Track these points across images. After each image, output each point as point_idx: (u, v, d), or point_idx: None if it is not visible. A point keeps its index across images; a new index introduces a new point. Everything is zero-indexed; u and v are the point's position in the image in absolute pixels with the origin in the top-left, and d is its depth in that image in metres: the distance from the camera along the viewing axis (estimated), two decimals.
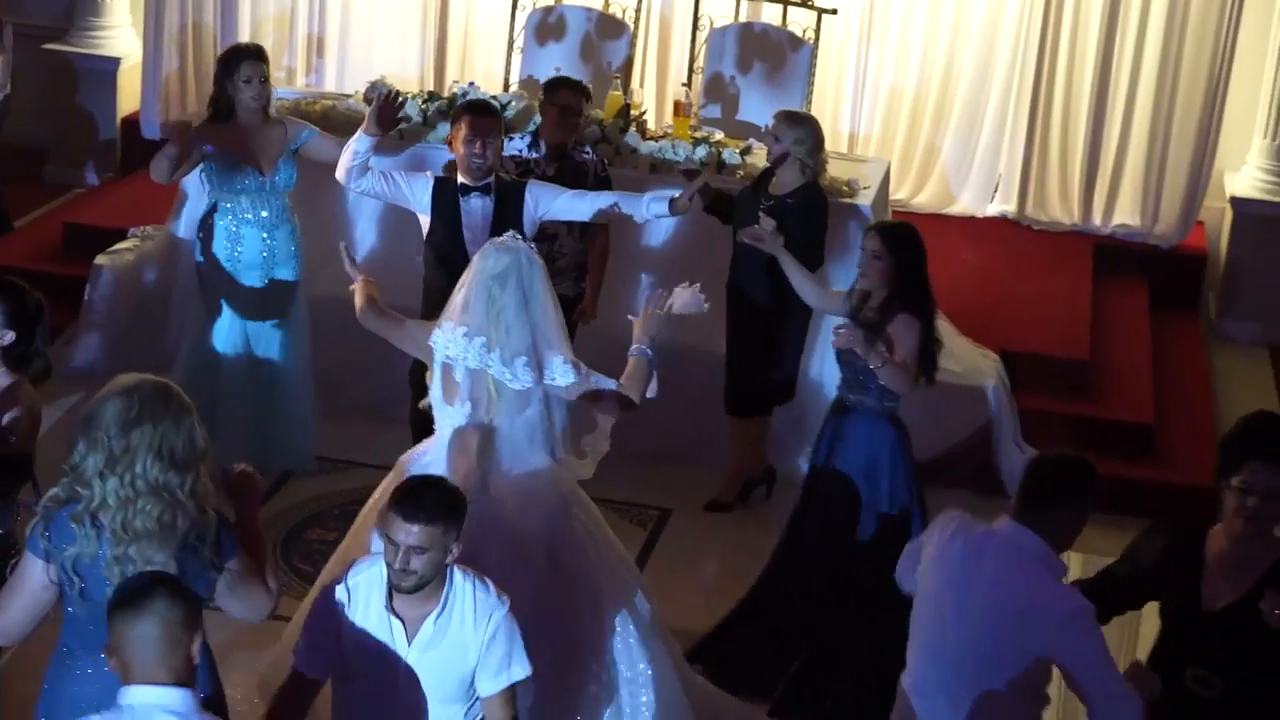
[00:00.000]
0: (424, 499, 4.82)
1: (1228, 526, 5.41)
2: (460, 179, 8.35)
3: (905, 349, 7.67)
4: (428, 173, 8.81)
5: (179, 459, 5.02)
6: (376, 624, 4.97)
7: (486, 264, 6.78)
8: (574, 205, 8.55)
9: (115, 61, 12.98)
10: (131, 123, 12.89)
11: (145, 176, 11.34)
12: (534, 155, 9.49)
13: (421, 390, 7.22)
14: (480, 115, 8.54)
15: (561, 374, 6.73)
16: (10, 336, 6.02)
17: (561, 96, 9.41)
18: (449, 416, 6.71)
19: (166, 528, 4.88)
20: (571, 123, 9.46)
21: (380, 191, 8.70)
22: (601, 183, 9.29)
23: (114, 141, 12.96)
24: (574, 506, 6.59)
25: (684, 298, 6.89)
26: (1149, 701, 5.06)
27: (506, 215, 8.13)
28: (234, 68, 9.10)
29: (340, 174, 8.50)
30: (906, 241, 8.01)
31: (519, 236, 7.19)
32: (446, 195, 8.42)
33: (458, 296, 6.89)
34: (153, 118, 12.76)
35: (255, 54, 9.28)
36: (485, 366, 6.73)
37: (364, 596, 5.01)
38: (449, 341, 6.67)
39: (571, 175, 9.20)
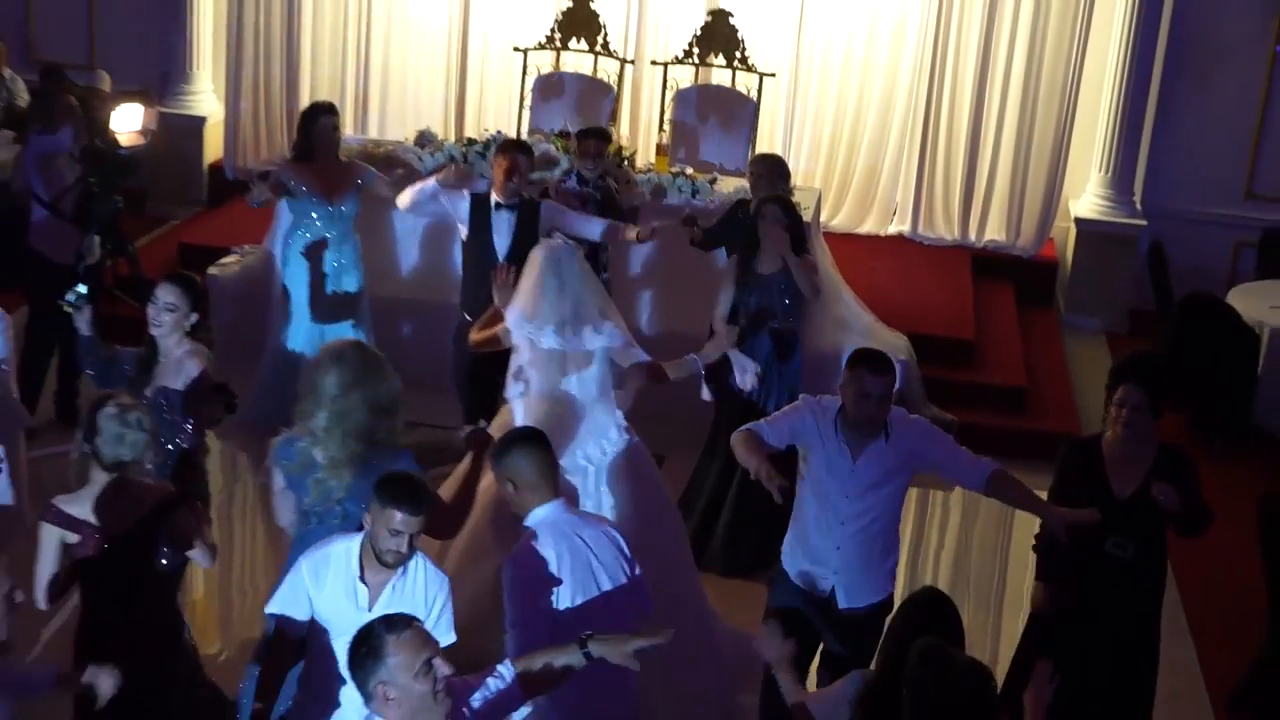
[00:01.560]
0: (418, 496, 4.99)
1: (1112, 433, 6.07)
2: (494, 197, 8.62)
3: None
4: (464, 192, 8.97)
5: (384, 407, 5.52)
6: (345, 589, 5.04)
7: (538, 259, 6.92)
8: (583, 225, 8.79)
9: (202, 119, 13.15)
10: (216, 166, 13.12)
11: (233, 207, 12.12)
12: (583, 187, 9.75)
13: (462, 351, 7.83)
14: (521, 153, 8.85)
15: (610, 336, 6.88)
16: (195, 318, 6.36)
17: (592, 142, 9.73)
18: (524, 388, 6.78)
19: (357, 457, 5.35)
20: (602, 158, 9.85)
21: (432, 210, 9.09)
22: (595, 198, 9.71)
23: (202, 181, 13.09)
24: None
25: (745, 369, 7.37)
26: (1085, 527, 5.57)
27: (525, 225, 8.43)
28: (314, 120, 9.33)
29: (404, 203, 8.88)
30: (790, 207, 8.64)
31: (556, 234, 7.67)
32: (482, 209, 8.71)
33: (523, 287, 6.98)
34: (232, 163, 13.06)
35: (330, 109, 9.54)
36: (554, 345, 6.80)
37: (337, 565, 5.09)
38: (522, 326, 6.79)
39: (610, 199, 9.62)
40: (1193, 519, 6.24)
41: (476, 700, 4.65)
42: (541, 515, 5.37)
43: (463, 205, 8.82)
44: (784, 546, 6.25)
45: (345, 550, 5.07)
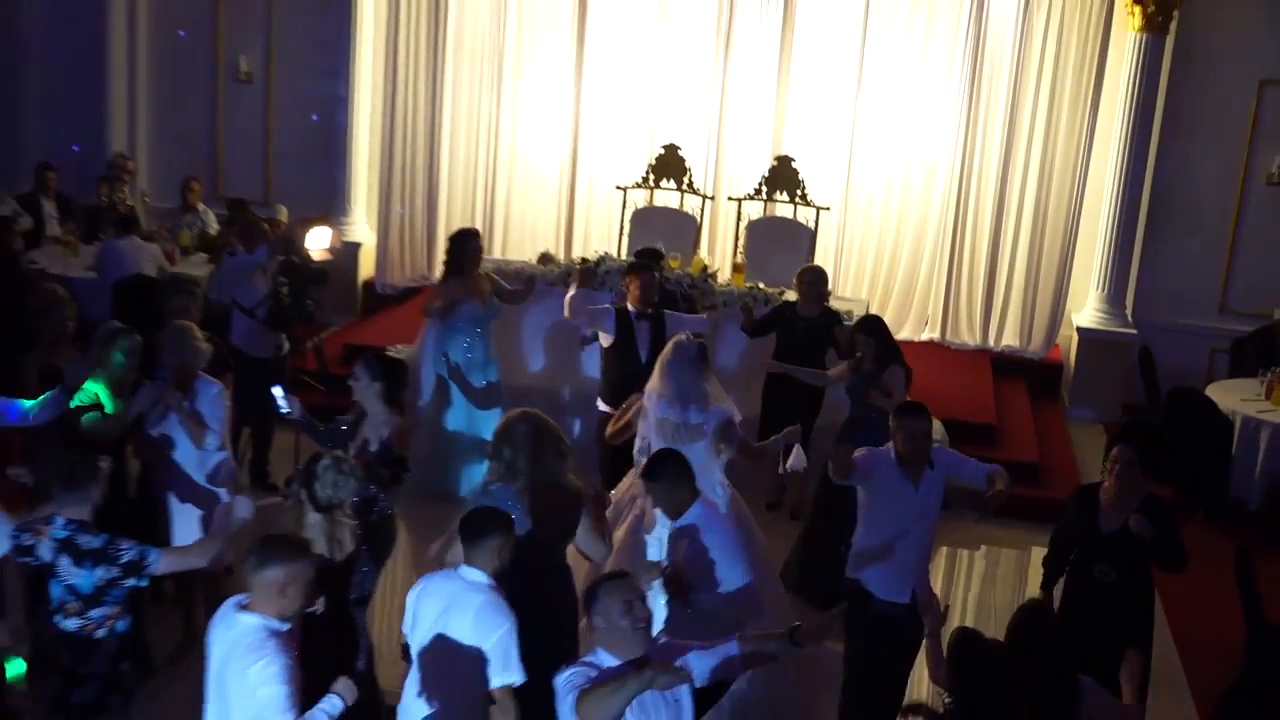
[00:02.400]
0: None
1: (1106, 484, 6.72)
2: (631, 308, 9.17)
3: (897, 386, 8.64)
4: (609, 306, 9.49)
5: (563, 453, 6.22)
6: None
7: (667, 351, 7.67)
8: (686, 322, 9.27)
9: (358, 245, 13.59)
10: (368, 283, 13.66)
11: (383, 316, 12.93)
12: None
13: (601, 435, 8.48)
14: (651, 272, 9.41)
15: (712, 417, 7.54)
16: (378, 386, 6.84)
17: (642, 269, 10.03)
18: (646, 449, 7.40)
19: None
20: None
21: (586, 322, 9.60)
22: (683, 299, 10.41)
23: (357, 295, 13.62)
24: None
25: (795, 456, 7.45)
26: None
27: (658, 330, 9.00)
28: (465, 243, 9.79)
29: (566, 312, 9.49)
30: (880, 325, 9.04)
31: (686, 335, 8.05)
32: (625, 319, 9.22)
33: (655, 371, 7.81)
34: (383, 280, 13.63)
35: (477, 234, 10.04)
36: (670, 416, 7.49)
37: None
38: (649, 398, 7.54)
39: (690, 300, 10.42)
40: (1169, 552, 6.65)
41: (696, 659, 4.89)
42: (697, 508, 6.17)
43: (609, 319, 9.27)
44: (858, 568, 6.66)
45: None
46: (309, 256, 10.75)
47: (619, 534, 7.18)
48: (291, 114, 14.23)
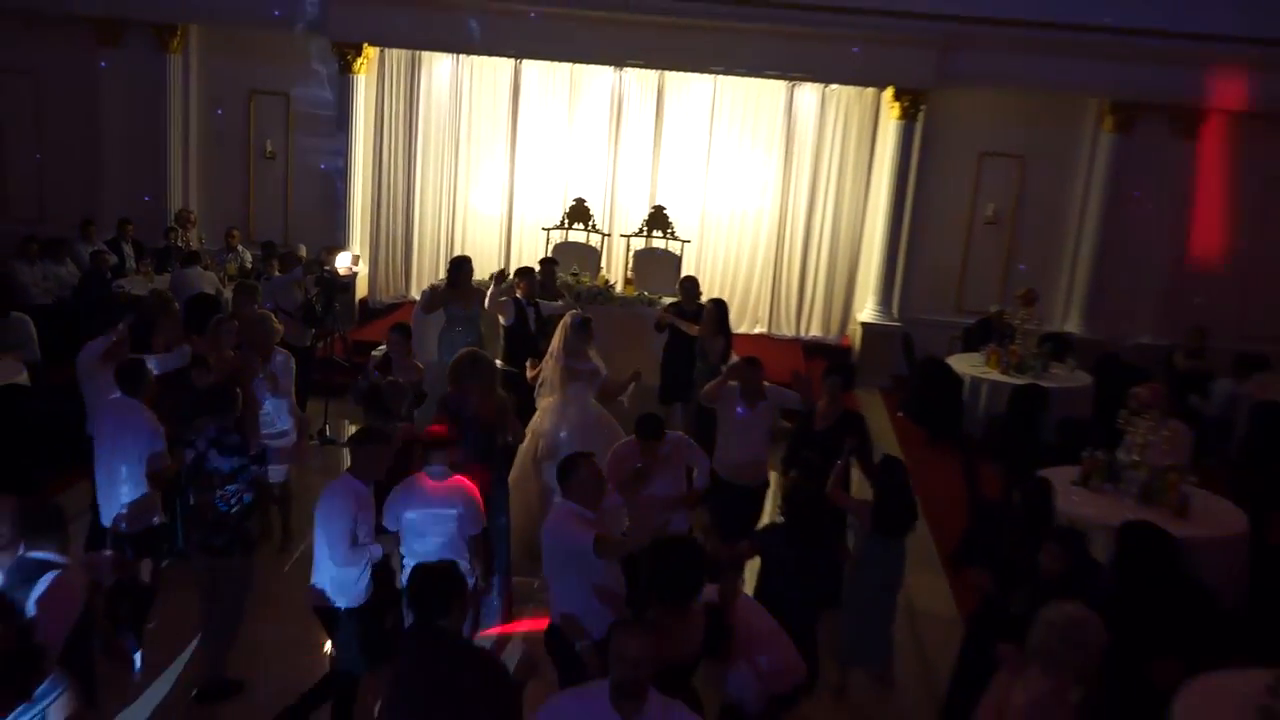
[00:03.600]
0: None
1: (821, 401, 7.74)
2: (522, 298, 9.81)
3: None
4: (507, 299, 9.82)
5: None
6: None
7: (566, 320, 8.46)
8: (551, 307, 10.18)
9: (355, 273, 12.90)
10: (363, 300, 14.08)
11: (374, 323, 13.09)
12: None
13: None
14: (531, 275, 10.24)
15: (588, 365, 8.34)
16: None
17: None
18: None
19: None
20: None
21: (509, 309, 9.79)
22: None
23: (354, 307, 13.80)
24: None
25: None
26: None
27: (538, 312, 9.98)
28: (464, 265, 10.07)
29: (486, 304, 9.70)
30: (722, 305, 9.76)
31: (578, 311, 9.03)
32: (519, 307, 9.80)
33: (556, 337, 8.46)
34: (372, 297, 14.16)
35: (469, 260, 10.21)
36: (566, 363, 8.35)
37: None
38: (555, 355, 8.34)
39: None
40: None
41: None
42: None
43: (510, 307, 9.79)
44: (719, 463, 7.41)
45: None
46: (338, 272, 11.44)
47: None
48: (304, 180, 14.58)
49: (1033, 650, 4.44)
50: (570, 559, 5.17)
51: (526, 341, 9.67)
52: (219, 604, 6.41)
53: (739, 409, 7.78)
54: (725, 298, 13.36)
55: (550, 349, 8.53)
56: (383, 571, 6.01)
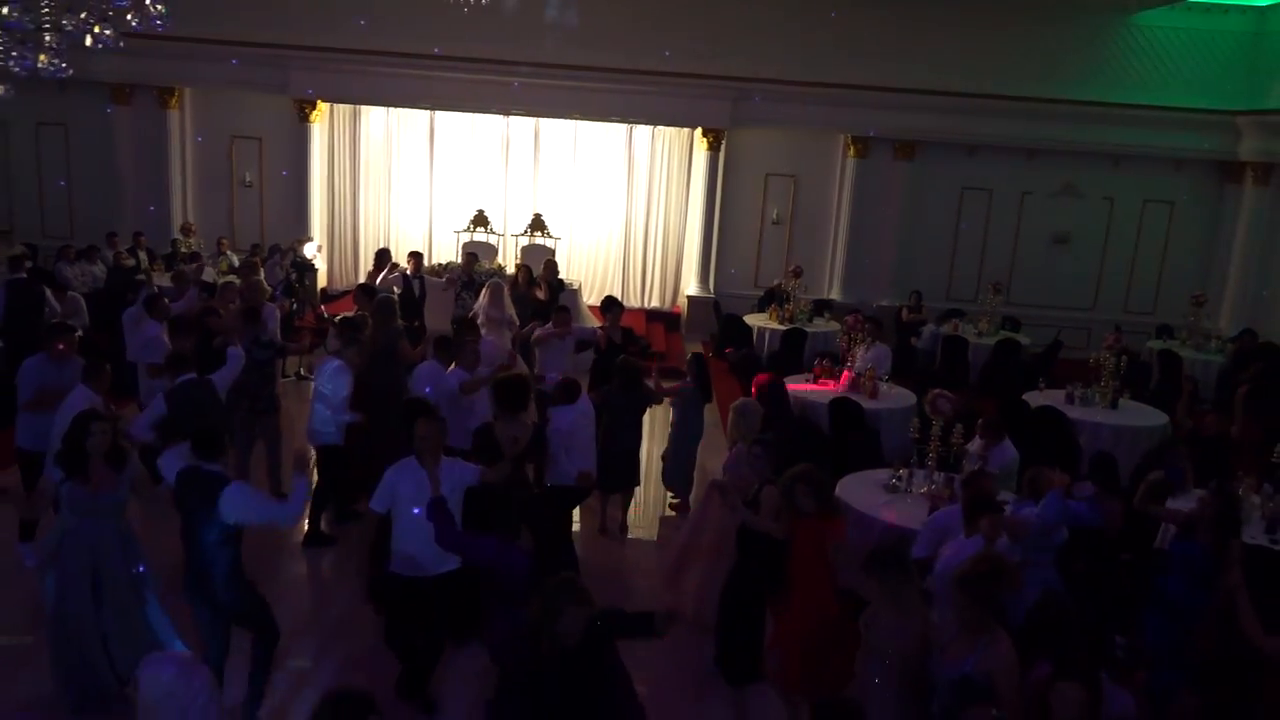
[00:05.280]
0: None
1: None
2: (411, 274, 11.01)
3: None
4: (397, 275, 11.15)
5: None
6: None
7: (492, 284, 9.68)
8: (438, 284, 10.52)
9: (315, 258, 13.89)
10: (323, 288, 14.22)
11: (335, 304, 13.18)
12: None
13: None
14: (419, 256, 11.33)
15: (507, 316, 9.30)
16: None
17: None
18: None
19: None
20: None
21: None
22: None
23: (317, 292, 13.94)
24: None
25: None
26: None
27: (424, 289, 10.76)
28: (381, 257, 11.00)
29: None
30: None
31: (497, 279, 10.03)
32: (408, 282, 11.10)
33: (484, 297, 9.89)
34: (330, 285, 14.32)
35: (388, 251, 11.42)
36: (492, 315, 9.40)
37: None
38: (483, 310, 9.79)
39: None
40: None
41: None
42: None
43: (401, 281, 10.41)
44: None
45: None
46: (305, 257, 12.28)
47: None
48: (275, 202, 14.86)
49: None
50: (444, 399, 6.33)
51: (413, 305, 10.43)
52: (269, 453, 7.32)
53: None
54: (586, 278, 14.49)
55: (478, 303, 9.52)
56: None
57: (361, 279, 13.60)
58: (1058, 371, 11.59)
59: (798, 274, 13.32)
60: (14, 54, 3.42)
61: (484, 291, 9.73)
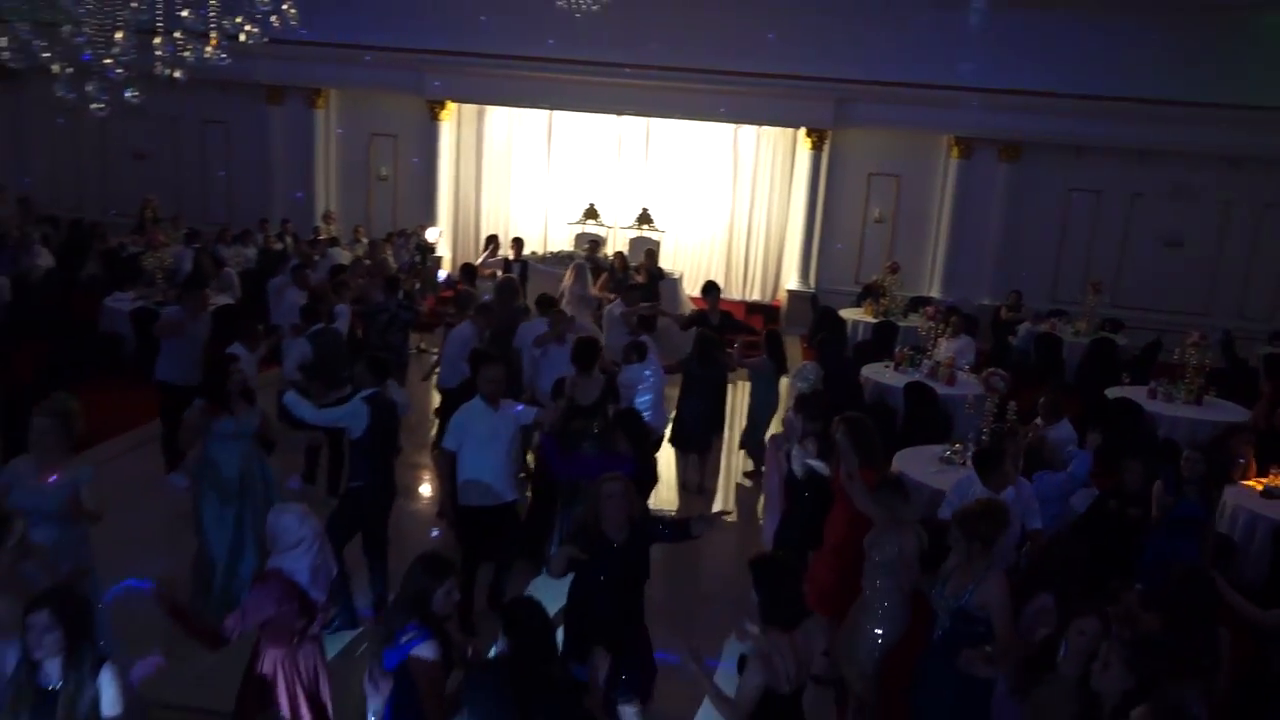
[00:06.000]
0: None
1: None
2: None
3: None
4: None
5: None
6: None
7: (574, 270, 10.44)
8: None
9: (437, 243, 15.28)
10: (447, 276, 15.63)
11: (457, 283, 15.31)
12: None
13: None
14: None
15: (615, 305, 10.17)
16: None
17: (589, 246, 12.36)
18: None
19: None
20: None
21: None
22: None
23: (436, 272, 15.82)
24: None
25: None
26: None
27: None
28: (492, 245, 13.04)
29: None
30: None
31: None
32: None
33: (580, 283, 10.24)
34: (453, 275, 15.31)
35: (496, 237, 13.19)
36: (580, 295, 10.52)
37: None
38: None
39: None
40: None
41: None
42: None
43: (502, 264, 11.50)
44: None
45: None
46: (427, 240, 13.47)
47: None
48: (406, 193, 15.67)
49: None
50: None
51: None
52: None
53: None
54: (689, 270, 14.86)
55: (564, 283, 10.28)
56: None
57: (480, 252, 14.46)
58: (1157, 373, 11.51)
59: (894, 270, 13.59)
60: (186, 52, 4.28)
61: (569, 272, 10.39)
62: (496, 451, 5.53)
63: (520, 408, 5.72)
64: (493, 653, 3.50)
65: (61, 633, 3.04)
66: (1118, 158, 14.63)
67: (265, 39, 4.42)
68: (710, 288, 9.99)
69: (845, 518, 4.96)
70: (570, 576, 4.31)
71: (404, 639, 3.37)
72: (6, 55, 4.21)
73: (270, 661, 3.67)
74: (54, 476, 4.40)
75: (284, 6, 4.39)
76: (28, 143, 16.41)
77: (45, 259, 12.49)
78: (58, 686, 3.06)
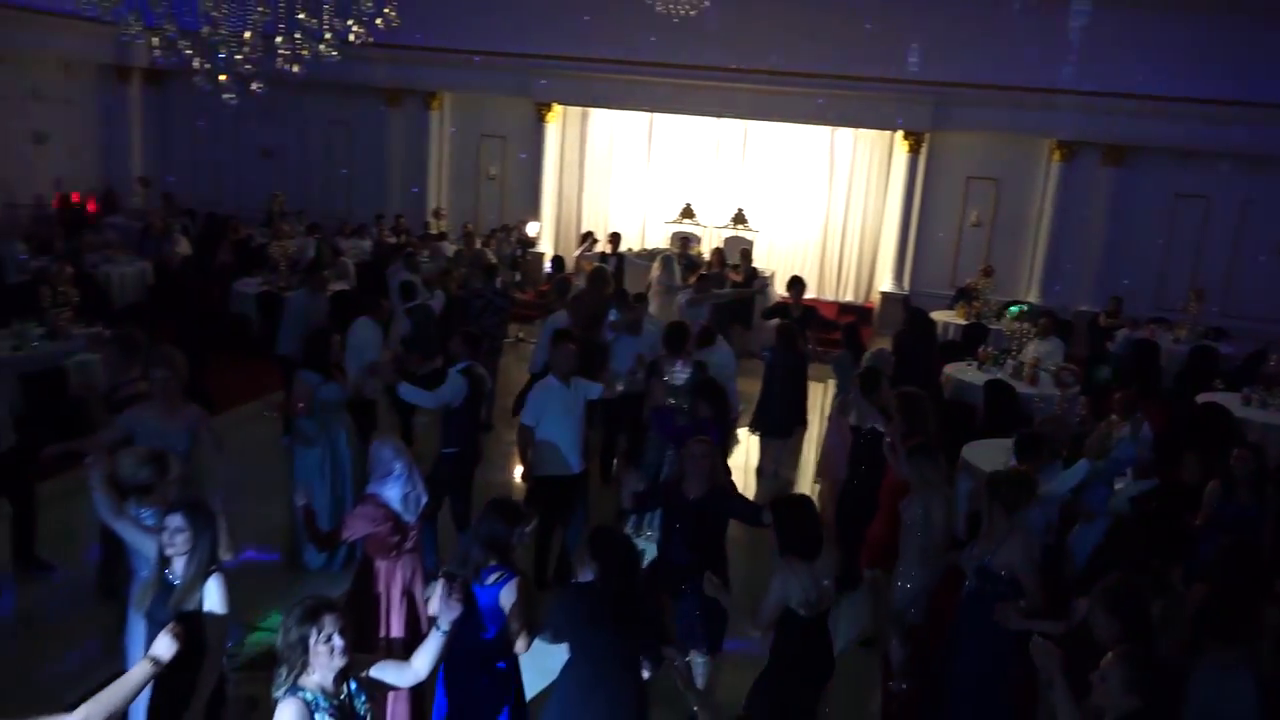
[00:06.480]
0: None
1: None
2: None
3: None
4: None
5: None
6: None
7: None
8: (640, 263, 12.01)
9: (537, 238, 16.09)
10: (548, 271, 16.95)
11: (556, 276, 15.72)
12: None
13: None
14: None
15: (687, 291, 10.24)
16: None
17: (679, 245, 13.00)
18: None
19: None
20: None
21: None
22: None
23: (539, 264, 16.34)
24: None
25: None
26: None
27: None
28: (588, 240, 13.51)
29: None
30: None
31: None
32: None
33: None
34: (551, 254, 16.56)
35: (619, 234, 13.53)
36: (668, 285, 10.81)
37: None
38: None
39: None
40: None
41: None
42: None
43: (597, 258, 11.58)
44: None
45: None
46: (528, 234, 13.89)
47: None
48: (513, 191, 16.11)
49: None
50: None
51: (614, 278, 11.11)
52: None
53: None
54: (783, 269, 14.88)
55: (652, 274, 10.73)
56: None
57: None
58: (1258, 381, 11.25)
59: (988, 273, 13.51)
60: (304, 51, 4.90)
61: (656, 263, 10.77)
62: (569, 425, 5.87)
63: (588, 383, 6.08)
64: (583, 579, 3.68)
65: (190, 534, 3.48)
66: (1228, 163, 14.25)
67: (370, 39, 4.96)
68: (795, 282, 10.27)
69: (895, 484, 5.25)
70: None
71: (491, 579, 3.67)
72: (157, 53, 4.80)
73: (381, 571, 4.20)
74: (177, 418, 5.03)
75: (385, 10, 4.93)
76: (171, 143, 17.63)
77: (184, 247, 13.54)
78: (179, 583, 3.52)
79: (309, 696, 2.83)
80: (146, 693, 3.28)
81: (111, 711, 2.74)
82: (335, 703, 2.86)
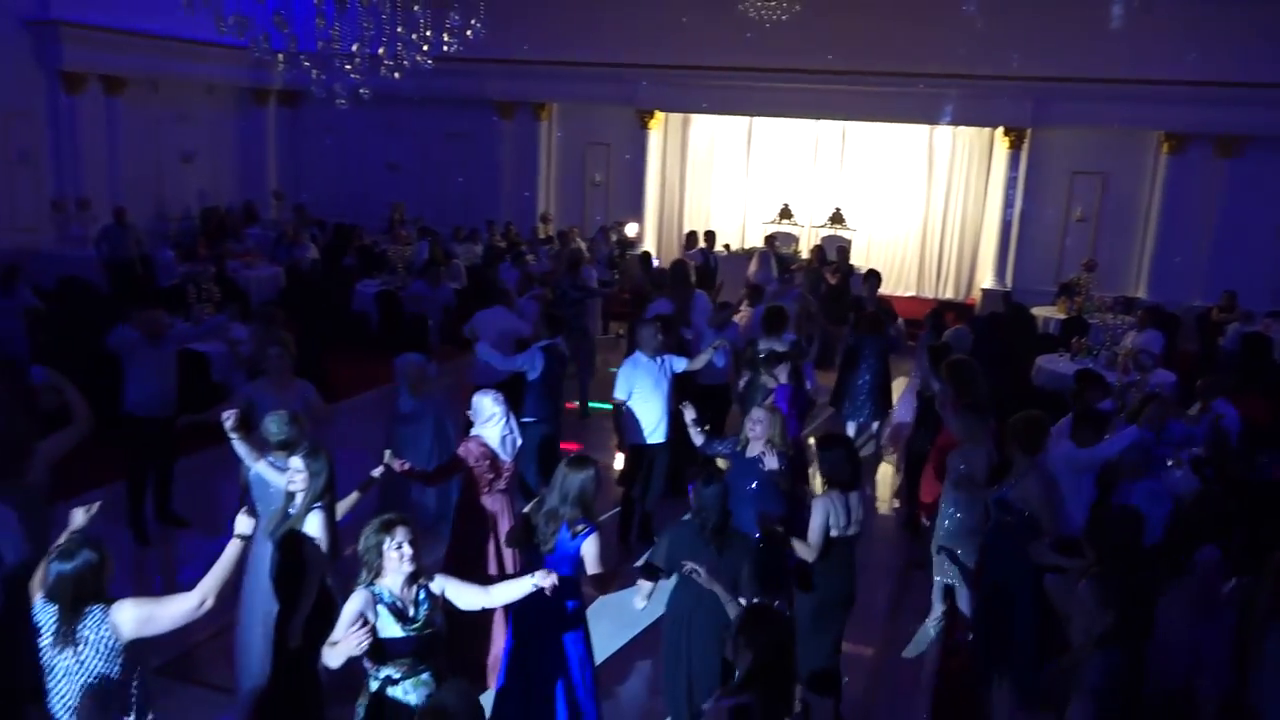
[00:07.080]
0: None
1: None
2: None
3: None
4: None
5: None
6: None
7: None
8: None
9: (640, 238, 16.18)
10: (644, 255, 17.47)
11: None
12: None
13: None
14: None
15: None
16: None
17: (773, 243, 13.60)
18: None
19: None
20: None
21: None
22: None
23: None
24: None
25: None
26: None
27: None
28: (690, 240, 13.72)
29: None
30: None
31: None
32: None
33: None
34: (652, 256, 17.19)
35: (713, 233, 13.92)
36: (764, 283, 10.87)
37: None
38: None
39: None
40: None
41: None
42: None
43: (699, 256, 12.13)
44: None
45: None
46: (627, 235, 14.27)
47: None
48: (619, 197, 16.47)
49: None
50: None
51: (708, 275, 12.01)
52: (580, 371, 9.21)
53: None
54: (882, 268, 14.30)
55: (750, 269, 11.11)
56: None
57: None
58: None
59: (1090, 268, 13.24)
60: (406, 61, 5.54)
61: (754, 259, 11.13)
62: (657, 397, 6.30)
63: (673, 357, 6.51)
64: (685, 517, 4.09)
65: (307, 474, 4.00)
66: None
67: (459, 48, 5.56)
68: (870, 274, 10.44)
69: (948, 442, 5.70)
70: None
71: (578, 528, 3.98)
72: (282, 67, 5.50)
73: (487, 501, 4.76)
74: (290, 390, 5.69)
75: (473, 21, 5.54)
76: (303, 159, 18.77)
77: (313, 253, 14.55)
78: (294, 513, 4.02)
79: (377, 590, 3.22)
80: (271, 606, 3.88)
81: (219, 584, 3.21)
82: (399, 602, 3.21)
